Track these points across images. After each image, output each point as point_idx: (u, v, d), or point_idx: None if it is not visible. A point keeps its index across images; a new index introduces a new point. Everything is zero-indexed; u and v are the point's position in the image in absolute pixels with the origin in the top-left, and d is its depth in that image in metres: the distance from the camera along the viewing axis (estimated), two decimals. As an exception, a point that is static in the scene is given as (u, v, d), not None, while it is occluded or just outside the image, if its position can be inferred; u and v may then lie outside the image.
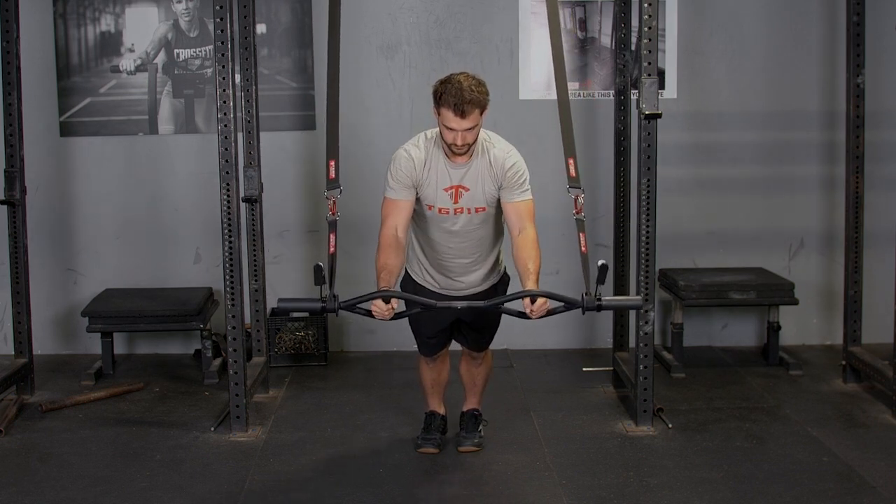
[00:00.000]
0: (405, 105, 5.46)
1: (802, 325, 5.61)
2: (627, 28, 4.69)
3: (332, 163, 3.40)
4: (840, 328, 5.01)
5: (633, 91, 4.57)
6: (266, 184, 4.82)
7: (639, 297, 3.84)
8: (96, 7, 5.37)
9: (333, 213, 3.40)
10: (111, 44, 5.40)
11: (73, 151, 5.46)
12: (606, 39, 5.42)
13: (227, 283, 4.14)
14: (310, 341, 5.29)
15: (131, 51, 5.39)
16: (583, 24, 5.43)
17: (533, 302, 3.34)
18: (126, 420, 4.45)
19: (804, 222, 5.58)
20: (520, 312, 3.43)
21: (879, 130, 5.26)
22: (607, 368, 4.99)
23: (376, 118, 5.46)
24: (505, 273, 3.86)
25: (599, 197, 5.35)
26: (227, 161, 4.05)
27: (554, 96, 3.60)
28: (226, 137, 4.04)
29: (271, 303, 5.13)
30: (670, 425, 4.26)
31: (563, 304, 3.38)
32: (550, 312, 3.38)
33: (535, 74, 5.45)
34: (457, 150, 3.50)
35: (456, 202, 3.59)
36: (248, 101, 4.63)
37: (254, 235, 4.71)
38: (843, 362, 4.87)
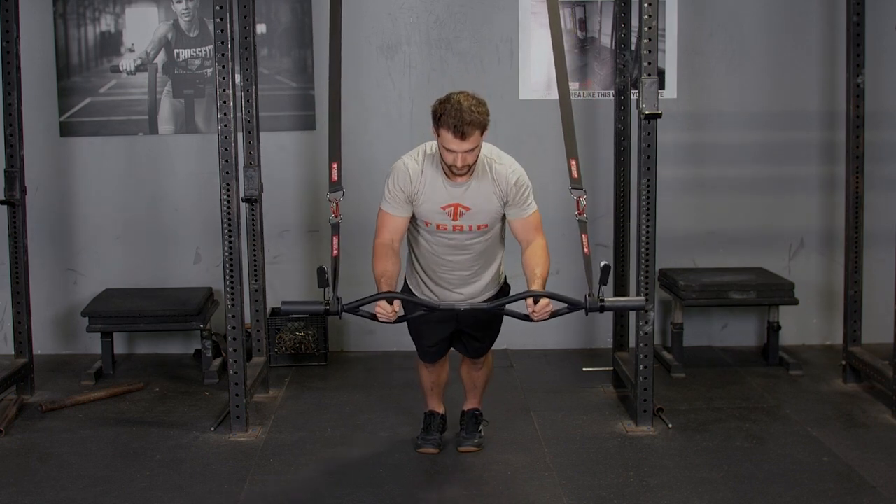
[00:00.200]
0: (405, 105, 5.46)
1: (802, 325, 5.61)
2: (627, 28, 4.69)
3: (335, 165, 3.39)
4: (840, 328, 5.01)
5: (633, 91, 4.57)
6: (266, 184, 4.82)
7: (641, 298, 3.84)
8: (96, 7, 5.37)
9: (336, 216, 3.40)
10: (111, 44, 5.40)
11: (73, 151, 5.46)
12: (606, 39, 5.42)
13: (227, 283, 4.14)
14: (310, 341, 5.30)
15: (131, 51, 5.40)
16: (583, 24, 5.43)
17: (536, 303, 3.35)
18: (126, 420, 4.45)
19: (804, 222, 5.58)
20: (523, 315, 3.43)
21: (879, 130, 5.26)
22: (607, 368, 4.99)
23: (376, 118, 5.46)
24: (505, 283, 3.83)
25: (600, 197, 5.35)
26: (227, 161, 4.05)
27: (554, 96, 3.60)
28: (226, 137, 4.04)
29: (271, 303, 5.14)
30: (670, 425, 4.26)
31: (565, 305, 3.38)
32: (553, 315, 3.38)
33: (535, 74, 5.45)
34: (457, 172, 3.45)
35: (455, 220, 3.55)
36: (248, 101, 4.63)
37: (254, 235, 4.71)
38: (843, 362, 4.87)
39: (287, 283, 5.46)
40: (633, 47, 4.59)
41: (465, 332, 3.80)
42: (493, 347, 4.02)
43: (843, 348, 4.89)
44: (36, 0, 5.29)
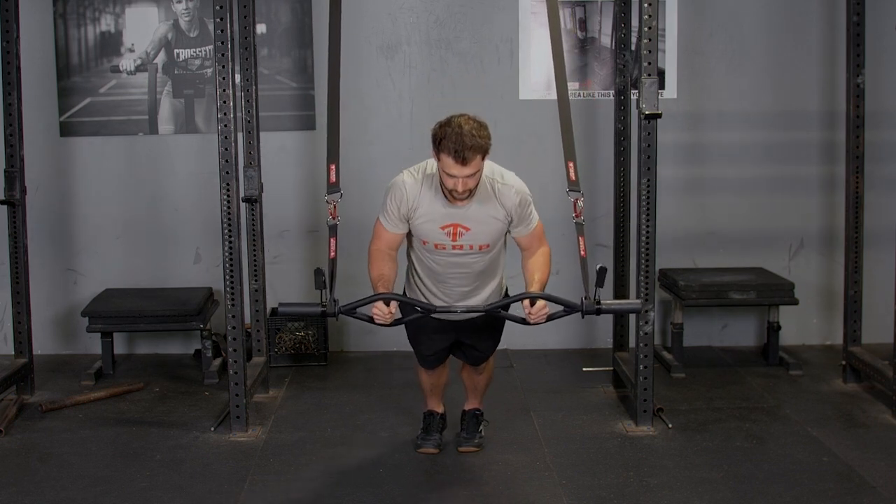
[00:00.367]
0: (405, 105, 5.46)
1: (802, 325, 5.61)
2: (627, 28, 4.69)
3: (333, 167, 3.39)
4: (840, 328, 5.01)
5: (633, 91, 4.57)
6: (266, 184, 4.82)
7: (638, 301, 3.84)
8: (96, 7, 5.37)
9: (334, 218, 3.39)
10: (111, 44, 5.40)
11: (73, 151, 5.46)
12: (606, 39, 5.42)
13: (227, 283, 4.14)
14: (310, 341, 5.30)
15: (131, 51, 5.39)
16: (583, 24, 5.43)
17: (532, 305, 3.35)
18: (126, 420, 4.45)
19: (804, 222, 5.58)
20: (520, 318, 3.44)
21: (879, 130, 5.26)
22: (607, 368, 4.99)
23: (376, 118, 5.46)
24: (507, 295, 3.79)
25: (599, 197, 5.35)
26: (227, 161, 4.05)
27: (554, 96, 3.59)
28: (226, 137, 4.04)
29: (271, 303, 5.14)
30: (670, 425, 4.26)
31: (562, 308, 3.39)
32: (550, 318, 3.39)
33: (535, 74, 5.45)
34: (458, 196, 3.39)
35: (455, 240, 3.50)
36: (248, 101, 4.63)
37: (254, 235, 4.71)
38: (843, 362, 4.87)
39: (287, 283, 5.45)
40: (633, 47, 4.59)
41: (465, 342, 3.79)
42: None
43: (843, 348, 4.89)
44: (36, 0, 5.29)
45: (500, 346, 3.93)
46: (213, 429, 4.27)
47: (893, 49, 5.38)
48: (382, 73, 5.43)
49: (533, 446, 4.09)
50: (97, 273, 5.52)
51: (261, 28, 5.31)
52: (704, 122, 5.51)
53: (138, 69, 5.41)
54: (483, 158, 3.34)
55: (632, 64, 4.56)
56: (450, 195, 3.42)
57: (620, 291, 4.83)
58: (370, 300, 3.37)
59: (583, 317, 3.40)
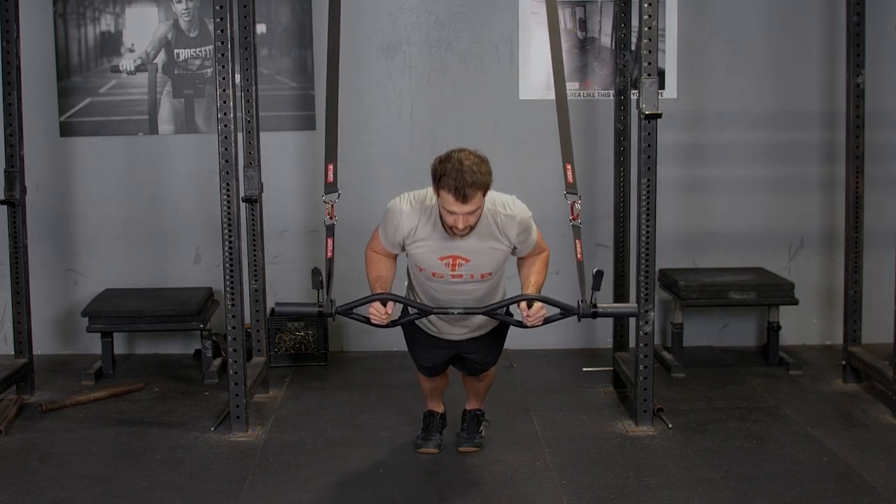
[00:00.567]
0: (405, 105, 5.46)
1: (802, 325, 5.61)
2: (627, 28, 4.69)
3: (331, 166, 3.38)
4: (840, 328, 5.01)
5: (633, 91, 4.57)
6: (266, 184, 4.82)
7: (634, 305, 3.85)
8: (96, 7, 5.37)
9: (332, 218, 3.39)
10: (111, 44, 5.40)
11: (73, 151, 5.46)
12: (606, 39, 5.42)
13: (227, 283, 4.14)
14: (310, 341, 5.30)
15: (131, 51, 5.40)
16: (583, 24, 5.43)
17: (529, 307, 3.35)
18: (126, 420, 4.45)
19: (804, 222, 5.58)
20: (517, 321, 3.44)
21: (879, 130, 5.26)
22: (607, 368, 4.99)
23: (376, 118, 5.46)
24: (507, 312, 3.74)
25: (600, 197, 5.35)
26: (227, 161, 4.05)
27: (554, 96, 3.59)
28: (226, 137, 4.04)
29: (271, 303, 5.13)
30: (670, 425, 4.26)
31: (559, 311, 3.39)
32: (547, 321, 3.39)
33: (535, 74, 5.45)
34: (458, 233, 3.35)
35: (453, 270, 3.46)
36: (248, 101, 4.63)
37: (254, 235, 4.71)
38: (843, 362, 4.87)
39: (287, 283, 5.45)
40: (633, 47, 4.59)
41: (466, 356, 3.78)
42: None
43: (843, 348, 4.89)
44: (36, 0, 5.29)
45: (500, 346, 3.93)
46: (213, 429, 4.27)
47: (893, 49, 5.38)
48: (382, 73, 5.43)
49: (533, 446, 4.09)
50: (97, 273, 5.52)
51: (261, 28, 5.31)
52: (704, 122, 5.51)
53: (138, 69, 5.41)
54: (484, 195, 3.28)
55: (632, 64, 4.56)
56: (450, 231, 3.37)
57: (620, 291, 4.83)
58: (367, 300, 3.37)
59: (579, 320, 3.41)
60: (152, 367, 5.30)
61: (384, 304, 3.37)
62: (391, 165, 5.45)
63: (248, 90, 4.63)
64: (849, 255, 4.82)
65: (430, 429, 4.05)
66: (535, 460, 3.94)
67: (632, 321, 4.60)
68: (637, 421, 4.26)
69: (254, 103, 4.65)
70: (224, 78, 4.01)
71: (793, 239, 5.60)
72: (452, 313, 3.46)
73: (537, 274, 3.54)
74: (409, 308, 3.58)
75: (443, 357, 3.79)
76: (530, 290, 3.47)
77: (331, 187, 3.38)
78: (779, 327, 5.28)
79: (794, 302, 5.20)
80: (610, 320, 5.00)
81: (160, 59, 5.41)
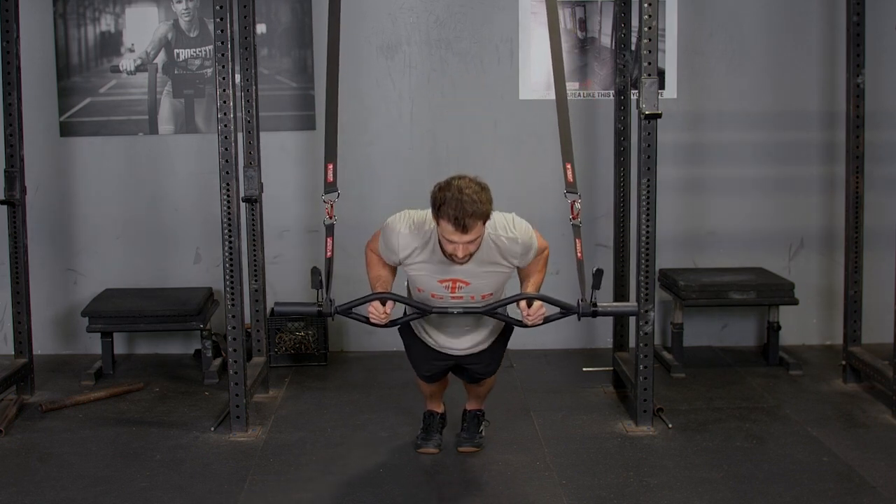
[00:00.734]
0: (405, 105, 5.46)
1: (802, 325, 5.61)
2: (627, 28, 4.69)
3: (331, 166, 3.38)
4: (840, 328, 5.01)
5: (633, 91, 4.57)
6: (266, 184, 4.82)
7: (634, 304, 3.85)
8: (96, 7, 5.37)
9: (331, 217, 3.39)
10: (111, 44, 5.40)
11: (73, 151, 5.46)
12: (606, 39, 5.42)
13: (227, 283, 4.14)
14: (310, 341, 5.30)
15: (131, 51, 5.39)
16: (583, 24, 5.43)
17: (529, 306, 3.35)
18: (126, 420, 4.45)
19: (804, 222, 5.58)
20: (517, 321, 3.44)
21: (879, 130, 5.26)
22: (607, 368, 4.99)
23: (376, 118, 5.46)
24: (508, 325, 3.74)
25: (600, 197, 5.35)
26: (227, 161, 4.05)
27: (554, 96, 3.59)
28: (226, 137, 4.03)
29: (271, 303, 5.13)
30: (670, 425, 4.26)
31: (559, 310, 3.39)
32: (547, 320, 3.39)
33: (535, 74, 5.45)
34: (458, 261, 3.33)
35: (453, 292, 3.45)
36: (248, 101, 4.63)
37: (254, 235, 4.71)
38: (843, 362, 4.87)
39: (287, 283, 5.45)
40: (633, 47, 4.59)
41: (466, 366, 3.78)
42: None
43: (843, 348, 4.89)
44: (36, 0, 5.29)
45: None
46: (213, 429, 4.27)
47: (893, 49, 5.38)
48: (382, 73, 5.43)
49: (533, 446, 4.09)
50: (97, 273, 5.52)
51: (261, 28, 5.31)
52: (704, 122, 5.50)
53: (138, 69, 5.41)
54: (484, 223, 3.26)
55: (632, 64, 4.56)
56: (449, 258, 3.35)
57: (620, 291, 4.83)
58: (366, 300, 3.37)
59: (579, 319, 3.41)
60: (152, 367, 5.30)
61: (383, 304, 3.37)
62: (391, 165, 5.45)
63: (248, 90, 4.63)
64: (849, 255, 4.82)
65: (430, 429, 4.05)
66: (535, 460, 3.94)
67: (632, 321, 4.60)
68: (637, 421, 4.26)
69: (254, 103, 4.65)
70: (224, 78, 4.01)
71: (793, 239, 5.60)
72: (452, 313, 3.47)
73: (537, 273, 3.54)
74: (408, 308, 3.59)
75: (442, 367, 3.79)
76: (530, 289, 3.47)
77: (330, 187, 3.38)
78: (779, 327, 5.28)
79: (794, 302, 5.20)
80: (610, 320, 4.99)
81: (160, 59, 5.41)
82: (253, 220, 4.70)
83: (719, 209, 5.56)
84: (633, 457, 3.97)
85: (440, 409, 4.10)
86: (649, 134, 4.08)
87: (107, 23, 5.38)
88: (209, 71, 5.39)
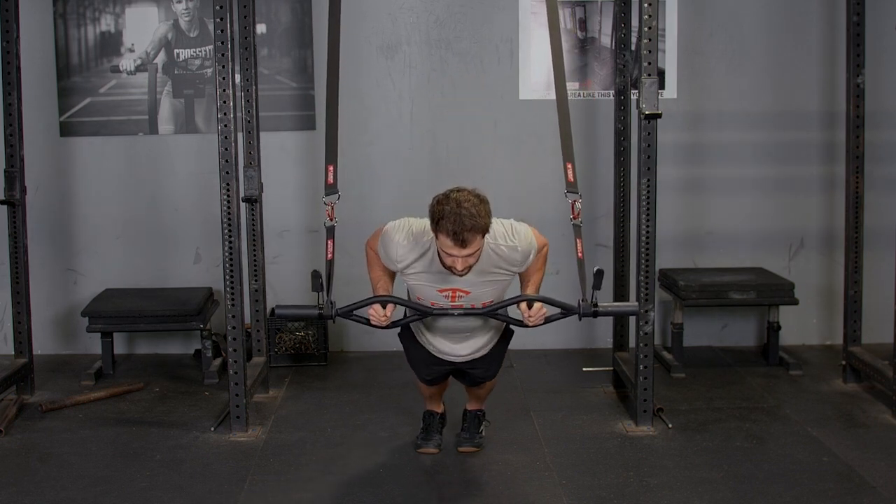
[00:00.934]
0: (405, 105, 5.46)
1: (802, 325, 5.61)
2: (627, 28, 4.69)
3: (331, 168, 3.38)
4: (840, 328, 5.01)
5: (633, 91, 4.57)
6: (266, 184, 4.82)
7: (635, 304, 3.85)
8: (96, 7, 5.37)
9: (332, 219, 3.39)
10: (111, 44, 5.40)
11: (73, 151, 5.46)
12: (606, 39, 5.42)
13: (227, 283, 4.14)
14: (310, 341, 5.30)
15: (131, 51, 5.39)
16: (583, 24, 5.43)
17: (530, 307, 3.34)
18: (126, 420, 4.45)
19: (804, 222, 5.58)
20: (518, 321, 3.44)
21: (879, 130, 5.26)
22: (607, 368, 4.99)
23: (376, 118, 5.46)
24: (507, 328, 3.75)
25: (600, 197, 5.35)
26: (227, 161, 4.05)
27: (554, 96, 3.59)
28: (226, 137, 4.03)
29: (271, 303, 5.13)
30: (670, 425, 4.26)
31: (559, 310, 3.39)
32: (548, 320, 3.40)
33: (535, 74, 5.45)
34: (457, 273, 3.32)
35: (453, 301, 3.45)
36: (248, 101, 4.63)
37: (254, 235, 4.71)
38: (843, 362, 4.87)
39: (287, 284, 5.45)
40: (633, 47, 4.59)
41: (467, 371, 3.78)
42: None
43: (843, 348, 4.89)
44: (36, 0, 5.29)
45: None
46: (213, 429, 4.27)
47: (893, 49, 5.38)
48: (382, 73, 5.43)
49: (533, 446, 4.09)
50: (97, 273, 5.52)
51: (261, 28, 5.31)
52: (704, 122, 5.50)
53: (138, 69, 5.41)
54: (483, 236, 3.24)
55: (632, 64, 4.56)
56: (449, 271, 3.34)
57: (620, 291, 4.83)
58: (366, 303, 3.37)
59: (580, 319, 3.42)
60: (152, 367, 5.30)
61: (384, 307, 3.37)
62: (391, 165, 5.45)
63: (248, 90, 4.63)
64: (849, 255, 4.82)
65: (430, 429, 4.05)
66: (535, 460, 3.94)
67: (632, 321, 4.60)
68: (637, 421, 4.26)
69: (254, 103, 4.65)
70: (224, 78, 4.01)
71: (793, 239, 5.60)
72: (453, 314, 3.47)
73: (537, 271, 3.54)
74: (408, 311, 3.59)
75: (443, 371, 3.80)
76: (530, 290, 3.47)
77: (331, 189, 3.38)
78: (779, 327, 5.28)
79: (794, 302, 5.20)
80: (610, 320, 5.00)
81: (160, 59, 5.41)
82: (253, 220, 4.70)
83: (719, 209, 5.56)
84: (633, 457, 3.97)
85: (440, 409, 4.10)
86: (649, 134, 4.08)
87: (107, 23, 5.38)
88: (209, 71, 5.39)
